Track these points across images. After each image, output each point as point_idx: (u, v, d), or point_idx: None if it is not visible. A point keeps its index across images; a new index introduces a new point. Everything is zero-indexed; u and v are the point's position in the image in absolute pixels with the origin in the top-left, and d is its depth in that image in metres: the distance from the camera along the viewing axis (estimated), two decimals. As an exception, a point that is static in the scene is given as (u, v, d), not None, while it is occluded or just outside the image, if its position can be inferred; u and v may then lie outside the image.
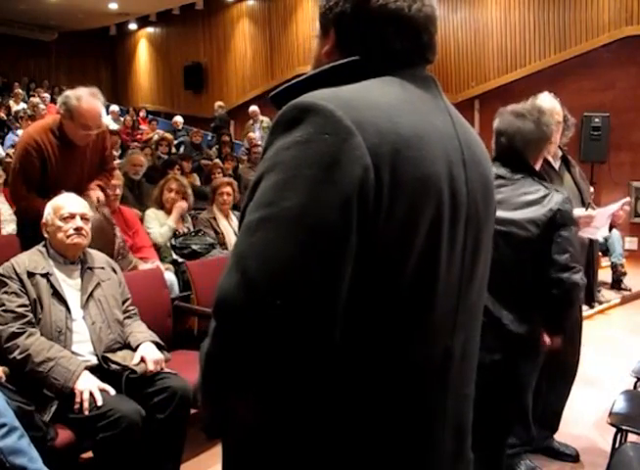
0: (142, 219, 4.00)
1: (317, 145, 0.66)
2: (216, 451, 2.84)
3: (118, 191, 3.76)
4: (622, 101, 7.96)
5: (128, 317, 2.52)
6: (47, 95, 12.14)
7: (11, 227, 3.98)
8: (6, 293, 2.22)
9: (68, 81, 15.79)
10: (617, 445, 2.17)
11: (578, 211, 2.35)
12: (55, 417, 2.07)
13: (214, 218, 4.27)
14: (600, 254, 5.84)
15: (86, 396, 2.06)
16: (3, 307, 2.20)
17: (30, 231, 2.66)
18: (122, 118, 11.40)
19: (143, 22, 15.31)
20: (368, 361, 0.73)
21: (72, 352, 2.21)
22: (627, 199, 2.50)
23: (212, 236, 4.11)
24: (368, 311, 0.72)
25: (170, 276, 3.55)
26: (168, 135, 8.90)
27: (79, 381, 2.09)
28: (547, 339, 2.08)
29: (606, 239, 6.08)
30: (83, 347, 2.28)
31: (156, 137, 9.00)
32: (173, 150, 8.53)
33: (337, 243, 0.64)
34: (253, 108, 10.18)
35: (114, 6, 13.61)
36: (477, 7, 9.50)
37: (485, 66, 9.46)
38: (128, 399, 2.16)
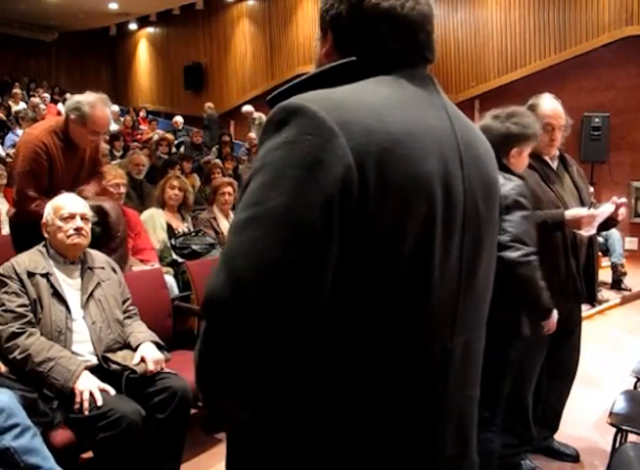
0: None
1: (301, 146, 0.67)
2: (216, 451, 2.85)
3: (122, 189, 3.76)
4: (622, 101, 7.96)
5: (128, 317, 2.52)
6: (47, 95, 12.16)
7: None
8: (6, 293, 2.22)
9: (68, 81, 15.86)
10: (617, 445, 2.17)
11: (581, 211, 2.36)
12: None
13: (214, 218, 4.28)
14: (600, 254, 5.87)
15: (86, 396, 2.06)
16: (3, 307, 2.20)
17: (29, 232, 2.64)
18: (122, 118, 11.40)
19: (143, 22, 15.32)
20: (361, 362, 0.73)
21: (72, 352, 2.21)
22: (623, 200, 2.49)
23: (212, 236, 4.11)
24: (360, 309, 0.71)
25: (170, 279, 3.55)
26: (169, 135, 8.90)
27: (79, 381, 2.09)
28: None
29: (606, 239, 6.09)
30: (83, 347, 2.28)
31: (156, 137, 8.99)
32: (173, 150, 8.53)
33: (318, 240, 0.65)
34: (247, 108, 10.12)
35: (114, 6, 13.62)
36: (477, 7, 9.50)
37: (485, 66, 9.46)
38: (128, 399, 2.16)
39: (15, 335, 2.14)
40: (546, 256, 2.37)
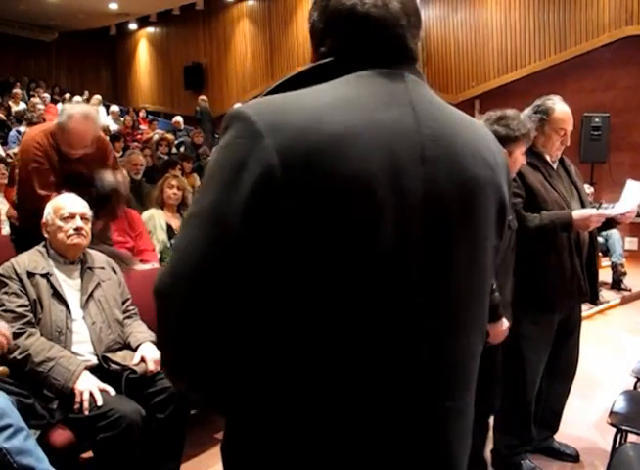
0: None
1: (232, 149, 0.72)
2: (216, 452, 2.83)
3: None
4: (622, 101, 7.96)
5: (128, 317, 2.52)
6: (47, 95, 12.16)
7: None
8: (6, 293, 2.22)
9: (68, 81, 15.87)
10: (617, 445, 2.17)
11: (590, 211, 2.37)
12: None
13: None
14: (600, 254, 5.87)
15: (86, 396, 2.06)
16: (3, 308, 2.20)
17: (34, 239, 2.62)
18: (122, 118, 11.41)
19: (143, 22, 15.32)
20: (324, 347, 0.73)
21: (72, 353, 2.21)
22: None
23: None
24: (302, 308, 0.72)
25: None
26: (169, 135, 8.90)
27: (79, 381, 2.09)
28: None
29: (606, 239, 6.09)
30: (83, 347, 2.28)
31: (156, 137, 8.99)
32: (174, 150, 8.53)
33: (239, 236, 0.69)
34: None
35: (114, 6, 13.63)
36: (477, 7, 9.51)
37: (486, 66, 9.46)
38: (128, 399, 2.17)
39: (15, 335, 2.14)
40: (552, 256, 2.39)
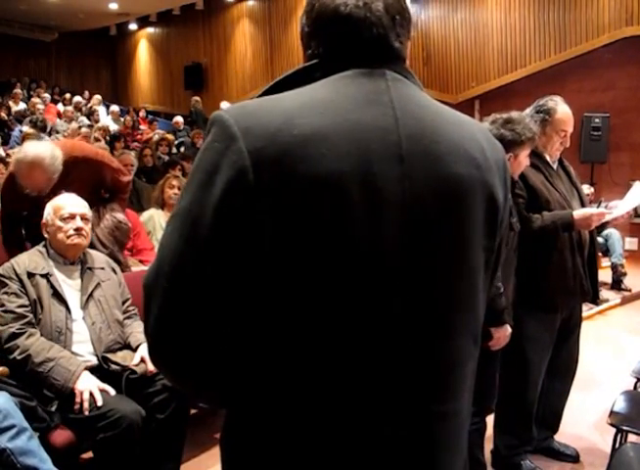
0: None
1: (209, 152, 0.74)
2: (216, 452, 2.83)
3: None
4: (622, 101, 7.96)
5: (128, 317, 2.52)
6: (47, 95, 12.15)
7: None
8: (6, 293, 2.22)
9: (69, 81, 15.87)
10: (617, 445, 2.17)
11: (591, 210, 2.38)
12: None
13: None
14: (600, 254, 5.87)
15: (86, 396, 2.06)
16: (3, 308, 2.20)
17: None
18: (122, 119, 11.40)
19: (143, 22, 15.31)
20: (289, 360, 0.74)
21: (72, 353, 2.21)
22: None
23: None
24: (278, 308, 0.73)
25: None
26: (169, 136, 8.89)
27: (79, 381, 2.09)
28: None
29: (606, 239, 6.09)
30: (83, 347, 2.28)
31: (156, 137, 8.98)
32: (174, 150, 8.53)
33: (211, 236, 0.71)
34: None
35: (114, 6, 13.62)
36: (477, 7, 9.50)
37: (486, 66, 9.45)
38: (128, 399, 2.17)
39: (15, 335, 2.14)
40: (553, 255, 2.40)
